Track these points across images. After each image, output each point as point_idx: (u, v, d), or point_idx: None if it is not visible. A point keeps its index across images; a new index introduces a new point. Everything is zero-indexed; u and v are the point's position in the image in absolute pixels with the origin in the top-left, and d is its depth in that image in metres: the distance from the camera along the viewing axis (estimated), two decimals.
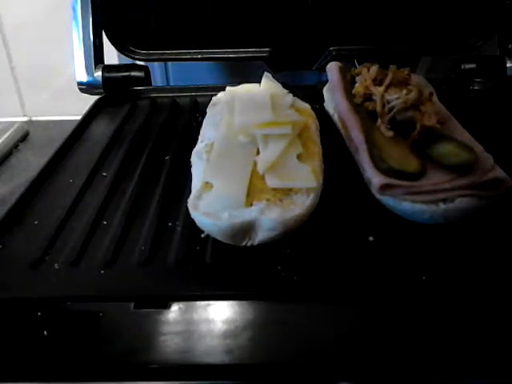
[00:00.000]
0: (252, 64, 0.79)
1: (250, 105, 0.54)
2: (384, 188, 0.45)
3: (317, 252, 0.44)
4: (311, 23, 0.75)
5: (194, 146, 0.54)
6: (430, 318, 0.38)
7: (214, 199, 0.44)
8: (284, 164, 0.47)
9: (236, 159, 0.48)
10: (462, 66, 0.76)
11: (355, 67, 0.63)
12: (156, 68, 0.89)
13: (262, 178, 0.46)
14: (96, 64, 0.77)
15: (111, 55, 0.81)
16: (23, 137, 0.88)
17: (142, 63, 0.80)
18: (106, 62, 0.79)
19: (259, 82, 0.62)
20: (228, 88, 0.62)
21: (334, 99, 0.61)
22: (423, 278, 0.41)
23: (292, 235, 0.43)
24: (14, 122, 0.90)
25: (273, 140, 0.49)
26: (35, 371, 0.37)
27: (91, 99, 0.74)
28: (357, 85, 0.57)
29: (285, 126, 0.50)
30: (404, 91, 0.52)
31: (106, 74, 0.77)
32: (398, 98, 0.52)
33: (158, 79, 0.90)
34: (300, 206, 0.43)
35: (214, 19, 0.75)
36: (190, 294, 0.41)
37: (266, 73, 0.63)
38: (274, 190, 0.44)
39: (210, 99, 0.62)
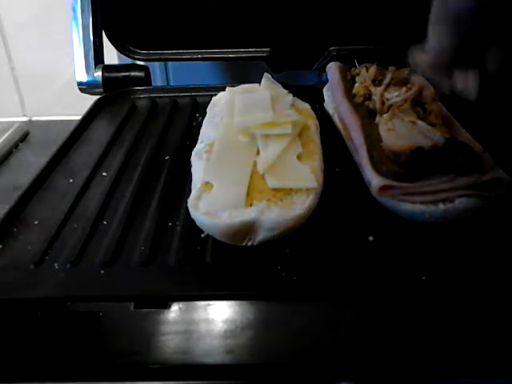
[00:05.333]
0: (252, 64, 0.79)
1: (250, 105, 0.54)
2: (383, 189, 0.45)
3: (317, 252, 0.44)
4: (311, 23, 0.75)
5: (194, 146, 0.54)
6: (430, 317, 0.38)
7: (214, 199, 0.44)
8: (284, 164, 0.47)
9: (236, 159, 0.48)
10: None
11: (355, 67, 0.63)
12: (156, 68, 0.89)
13: (262, 178, 0.46)
14: (96, 64, 0.77)
15: (111, 55, 0.81)
16: (23, 137, 0.88)
17: (142, 63, 0.80)
18: (106, 62, 0.79)
19: (259, 82, 0.62)
20: (228, 88, 0.62)
21: (334, 99, 0.61)
22: (423, 278, 0.41)
23: (292, 235, 0.43)
24: (14, 122, 0.90)
25: (273, 140, 0.49)
26: (35, 371, 0.37)
27: (91, 99, 0.74)
28: (357, 85, 0.57)
29: (285, 125, 0.50)
30: (403, 89, 0.53)
31: (106, 74, 0.77)
32: (397, 96, 0.52)
33: (158, 79, 0.90)
34: (300, 206, 0.43)
35: (214, 19, 0.75)
36: (190, 294, 0.41)
37: (265, 73, 0.63)
38: (274, 190, 0.44)
39: (210, 99, 0.62)
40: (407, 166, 0.45)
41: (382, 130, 0.49)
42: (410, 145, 0.45)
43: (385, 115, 0.51)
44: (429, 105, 0.51)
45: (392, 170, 0.46)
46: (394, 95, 0.52)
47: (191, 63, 0.80)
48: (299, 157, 0.48)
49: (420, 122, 0.48)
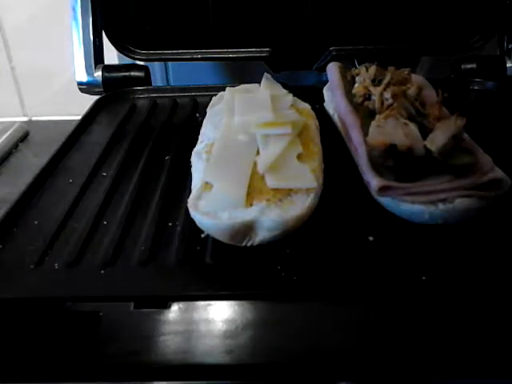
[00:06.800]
0: (252, 64, 0.79)
1: (250, 105, 0.54)
2: (383, 190, 0.45)
3: (317, 252, 0.44)
4: (311, 23, 0.75)
5: (194, 146, 0.54)
6: (430, 317, 0.38)
7: (214, 199, 0.44)
8: (284, 164, 0.47)
9: (236, 159, 0.48)
10: (462, 66, 0.76)
11: (355, 67, 0.63)
12: (156, 68, 0.89)
13: (262, 178, 0.46)
14: (96, 64, 0.77)
15: (111, 55, 0.81)
16: (23, 137, 0.88)
17: (142, 63, 0.80)
18: (106, 62, 0.79)
19: (259, 82, 0.62)
20: (228, 88, 0.62)
21: (334, 99, 0.61)
22: (423, 278, 0.41)
23: (292, 235, 0.43)
24: (14, 122, 0.90)
25: (273, 140, 0.49)
26: (35, 371, 0.37)
27: (91, 99, 0.74)
28: (356, 85, 0.57)
29: (285, 126, 0.50)
30: (402, 88, 0.52)
31: (106, 74, 0.77)
32: (394, 98, 0.52)
33: (158, 79, 0.90)
34: (300, 206, 0.43)
35: (214, 19, 0.75)
36: (190, 294, 0.41)
37: (265, 73, 0.63)
38: (274, 190, 0.44)
39: (210, 99, 0.62)
40: (379, 161, 0.46)
41: (373, 127, 0.49)
42: (386, 141, 0.45)
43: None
44: (429, 108, 0.51)
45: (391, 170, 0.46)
46: (390, 96, 0.52)
47: (191, 63, 0.80)
48: (299, 157, 0.48)
49: (412, 126, 0.48)
